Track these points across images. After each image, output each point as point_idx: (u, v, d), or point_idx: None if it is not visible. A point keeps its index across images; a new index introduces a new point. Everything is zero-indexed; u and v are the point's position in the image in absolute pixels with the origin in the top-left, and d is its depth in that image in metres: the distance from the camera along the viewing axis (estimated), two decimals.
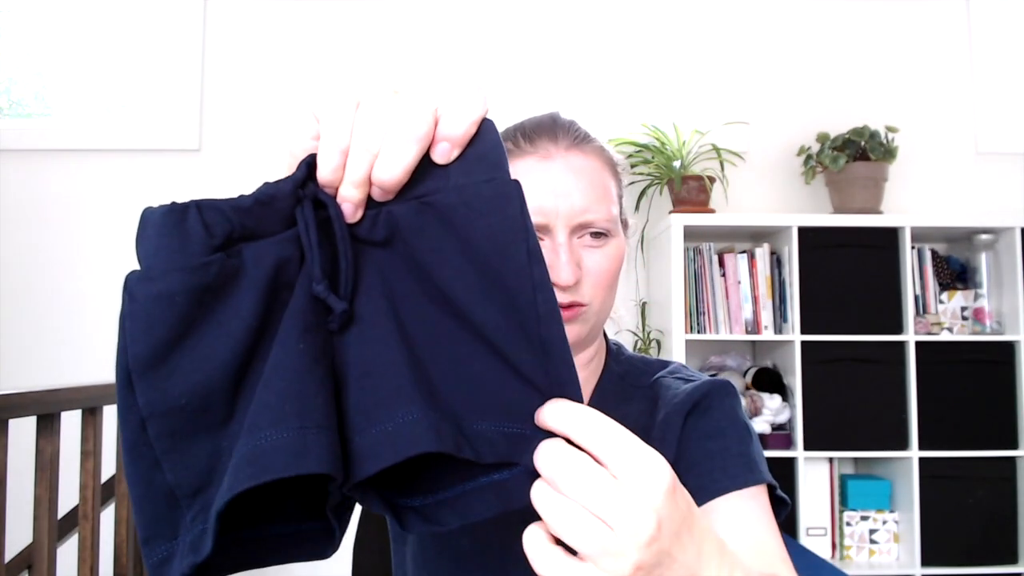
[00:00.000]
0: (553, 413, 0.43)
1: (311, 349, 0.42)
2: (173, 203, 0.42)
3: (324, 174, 0.43)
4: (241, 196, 0.43)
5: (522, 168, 0.79)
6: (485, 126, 0.45)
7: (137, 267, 0.42)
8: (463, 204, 0.43)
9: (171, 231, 0.41)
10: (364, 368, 0.43)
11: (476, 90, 0.44)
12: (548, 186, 0.77)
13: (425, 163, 0.44)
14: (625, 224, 0.86)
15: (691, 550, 0.44)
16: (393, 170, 0.42)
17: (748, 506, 0.73)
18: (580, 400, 0.44)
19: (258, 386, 0.42)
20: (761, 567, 0.67)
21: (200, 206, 0.42)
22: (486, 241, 0.43)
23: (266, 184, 0.44)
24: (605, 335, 0.90)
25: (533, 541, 0.43)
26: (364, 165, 0.42)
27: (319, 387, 0.42)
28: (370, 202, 0.45)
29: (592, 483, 0.41)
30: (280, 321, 0.43)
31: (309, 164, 0.44)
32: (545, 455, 0.42)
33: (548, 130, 0.81)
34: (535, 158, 0.79)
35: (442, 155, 0.43)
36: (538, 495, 0.42)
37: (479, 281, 0.43)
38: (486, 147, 0.44)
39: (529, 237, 0.43)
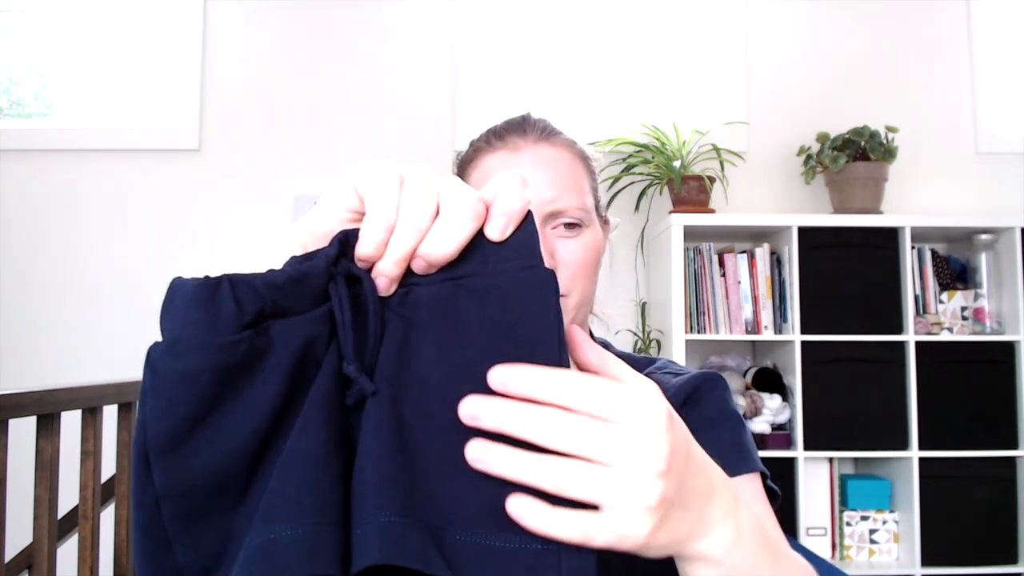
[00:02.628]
0: (520, 379, 0.40)
1: (333, 437, 0.41)
2: (207, 277, 0.40)
3: (366, 250, 0.42)
4: (273, 271, 0.42)
5: (492, 162, 0.80)
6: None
7: (157, 334, 0.41)
8: (500, 288, 0.43)
9: (202, 305, 0.39)
10: (360, 459, 0.41)
11: (516, 176, 0.44)
12: None
13: (470, 250, 0.43)
14: (605, 221, 0.87)
15: (701, 476, 0.44)
16: (447, 245, 0.42)
17: (745, 490, 0.73)
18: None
19: (275, 470, 0.40)
20: None
21: (233, 281, 0.40)
22: (520, 327, 0.42)
23: (294, 259, 0.43)
24: (591, 334, 0.90)
25: (526, 508, 0.38)
26: (410, 242, 0.42)
27: (337, 480, 0.40)
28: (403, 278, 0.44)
29: (586, 430, 0.39)
30: (303, 400, 0.42)
31: (342, 241, 0.43)
32: (512, 415, 0.39)
33: (518, 126, 0.83)
34: (504, 152, 0.81)
35: (499, 230, 0.43)
36: (516, 460, 0.39)
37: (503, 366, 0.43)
38: (524, 235, 0.44)
39: (561, 328, 0.43)
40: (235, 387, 0.40)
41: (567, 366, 0.42)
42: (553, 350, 0.42)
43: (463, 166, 0.86)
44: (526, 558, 0.39)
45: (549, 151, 0.81)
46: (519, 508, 0.38)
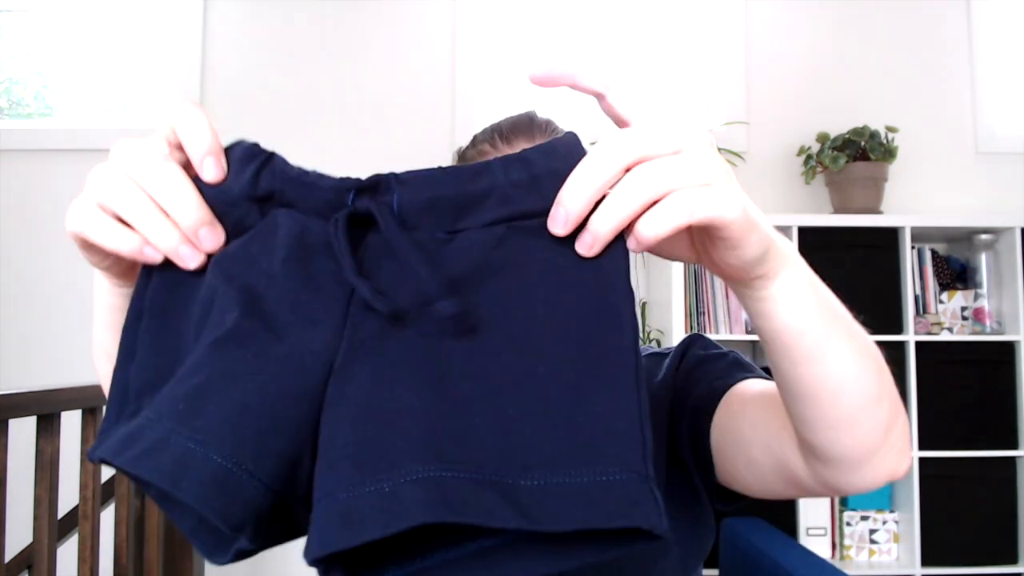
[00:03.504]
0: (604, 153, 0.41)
1: (272, 362, 0.39)
2: (255, 145, 0.45)
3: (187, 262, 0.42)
4: (293, 168, 0.44)
5: None
6: (571, 142, 0.43)
7: None
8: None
9: (238, 164, 0.44)
10: (371, 408, 0.38)
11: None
12: None
13: (525, 185, 0.42)
14: None
15: None
16: (211, 170, 0.44)
17: (760, 382, 0.71)
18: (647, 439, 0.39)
19: (186, 359, 0.41)
20: None
21: (266, 160, 0.44)
22: (583, 266, 0.41)
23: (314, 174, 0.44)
24: None
25: (644, 221, 0.40)
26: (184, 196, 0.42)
27: (226, 399, 0.38)
28: (440, 225, 0.42)
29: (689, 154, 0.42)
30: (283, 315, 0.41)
31: (379, 180, 0.42)
32: (623, 190, 0.40)
33: (525, 130, 0.82)
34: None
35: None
36: (626, 188, 0.40)
37: (571, 307, 0.40)
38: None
39: (627, 261, 0.41)
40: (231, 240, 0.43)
41: (633, 298, 0.41)
42: (624, 284, 0.41)
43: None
44: (622, 488, 0.36)
45: None
46: (641, 225, 0.40)
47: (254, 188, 0.43)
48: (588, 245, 0.40)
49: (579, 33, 2.73)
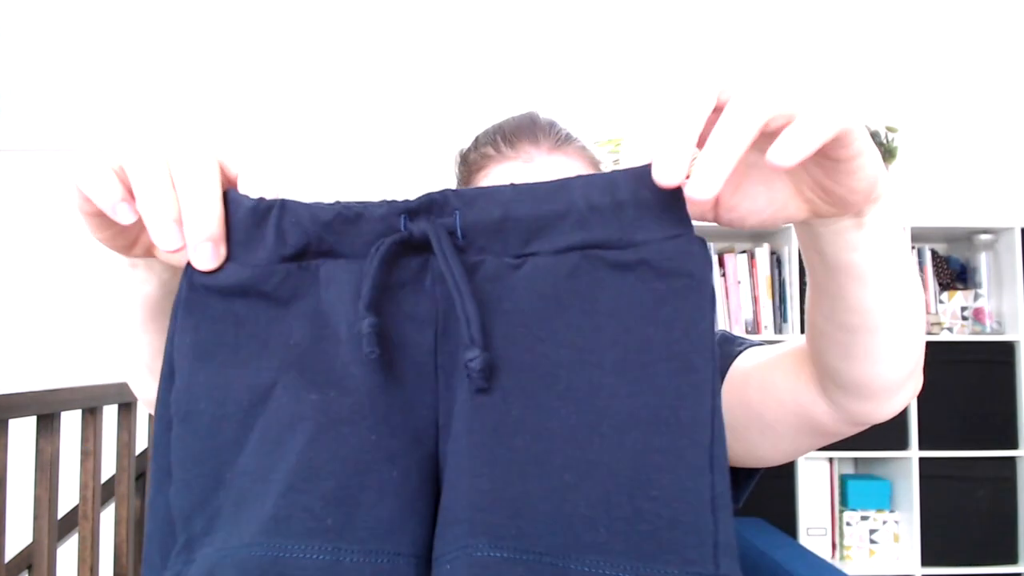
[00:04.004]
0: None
1: (392, 436, 0.37)
2: (260, 199, 0.39)
3: (168, 246, 0.38)
4: (322, 204, 0.39)
5: (504, 173, 0.78)
6: (644, 173, 0.38)
7: None
8: (641, 262, 0.37)
9: (252, 228, 0.38)
10: (449, 473, 0.37)
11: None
12: None
13: (605, 211, 0.37)
14: None
15: None
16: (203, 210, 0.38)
17: (753, 351, 0.71)
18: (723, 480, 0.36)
19: (296, 458, 0.36)
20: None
21: (284, 208, 0.38)
22: (665, 307, 0.36)
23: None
24: None
25: (795, 137, 0.37)
26: (169, 213, 0.38)
27: (387, 494, 0.36)
28: (509, 248, 0.38)
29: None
30: (354, 371, 0.38)
31: (435, 199, 0.38)
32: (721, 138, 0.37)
33: (528, 132, 0.80)
34: (517, 162, 0.78)
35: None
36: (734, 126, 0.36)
37: (643, 354, 0.36)
38: (670, 197, 0.38)
39: (714, 308, 0.37)
40: (260, 320, 0.39)
41: (715, 346, 0.37)
42: (707, 331, 0.36)
43: (470, 171, 0.82)
44: None
45: (563, 161, 0.78)
46: (785, 145, 0.36)
47: (283, 247, 0.38)
48: (706, 183, 0.36)
49: (580, 34, 2.73)
